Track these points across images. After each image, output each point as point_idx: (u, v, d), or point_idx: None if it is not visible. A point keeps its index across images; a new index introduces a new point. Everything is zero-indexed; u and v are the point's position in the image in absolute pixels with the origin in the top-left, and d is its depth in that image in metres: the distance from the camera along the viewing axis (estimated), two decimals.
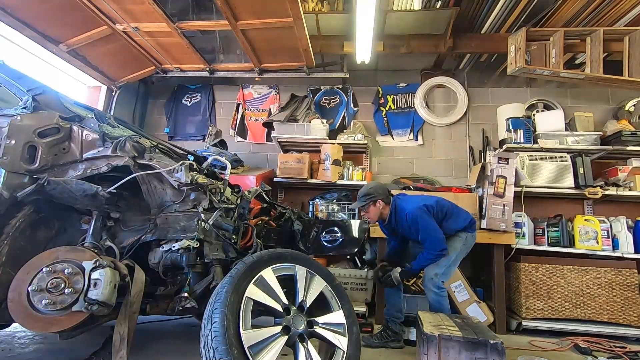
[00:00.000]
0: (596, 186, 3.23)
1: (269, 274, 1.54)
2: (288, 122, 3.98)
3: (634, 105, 3.58)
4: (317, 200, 3.73)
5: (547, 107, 3.88)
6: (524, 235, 3.29)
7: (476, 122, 4.06)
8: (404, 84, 4.28)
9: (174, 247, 1.75)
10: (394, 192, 2.73)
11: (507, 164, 3.19)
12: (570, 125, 3.55)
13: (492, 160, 3.26)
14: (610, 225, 3.18)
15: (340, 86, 4.37)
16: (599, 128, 3.54)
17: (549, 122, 3.48)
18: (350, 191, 3.81)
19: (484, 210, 3.20)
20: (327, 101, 4.40)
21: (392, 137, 4.20)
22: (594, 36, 3.12)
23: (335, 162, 3.68)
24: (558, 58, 3.13)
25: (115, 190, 1.67)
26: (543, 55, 3.22)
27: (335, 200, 3.70)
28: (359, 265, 3.45)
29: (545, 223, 3.37)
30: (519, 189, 3.28)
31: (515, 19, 3.25)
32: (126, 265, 1.60)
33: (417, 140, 4.14)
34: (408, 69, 4.28)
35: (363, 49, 3.48)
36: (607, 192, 3.21)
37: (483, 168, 3.32)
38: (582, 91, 3.89)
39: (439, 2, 3.24)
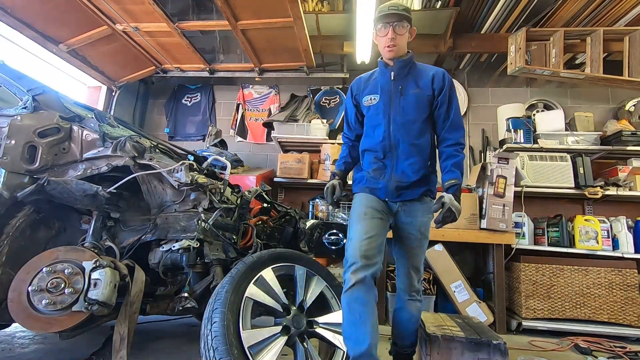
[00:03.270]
0: (596, 186, 3.23)
1: (269, 274, 1.55)
2: (288, 122, 3.98)
3: (634, 105, 3.58)
4: (317, 200, 3.72)
5: (547, 107, 3.88)
6: (524, 235, 3.29)
7: (476, 122, 4.05)
8: None
9: (174, 247, 1.75)
10: None
11: (507, 164, 3.19)
12: (570, 125, 3.55)
13: (492, 160, 3.26)
14: (611, 225, 3.18)
15: (341, 86, 4.36)
16: (599, 128, 3.54)
17: (549, 122, 3.48)
18: (350, 191, 3.80)
19: (484, 210, 3.20)
20: (327, 101, 4.40)
21: None
22: (594, 36, 3.12)
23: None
24: (558, 58, 3.13)
25: (115, 190, 1.67)
26: (543, 55, 3.22)
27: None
28: None
29: (545, 223, 3.37)
30: (519, 189, 3.28)
31: (515, 19, 3.25)
32: (126, 265, 1.60)
33: None
34: None
35: (363, 49, 3.48)
36: (607, 192, 3.21)
37: (483, 168, 3.31)
38: (582, 91, 3.89)
39: (439, 2, 3.24)
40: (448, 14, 3.30)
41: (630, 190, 3.24)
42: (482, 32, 3.51)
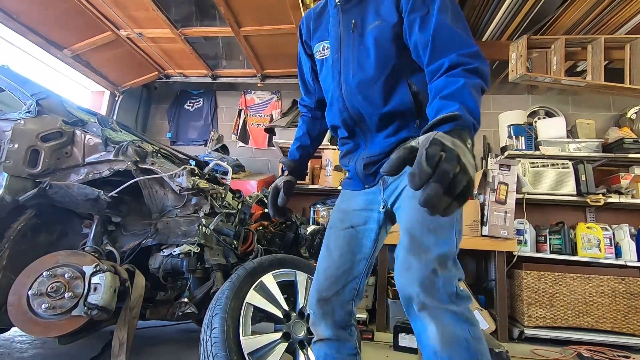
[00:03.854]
0: (598, 193, 3.22)
1: (269, 280, 1.54)
2: (290, 128, 3.99)
3: (635, 112, 3.58)
4: (318, 205, 3.72)
5: (549, 114, 3.89)
6: (526, 243, 3.27)
7: (481, 129, 4.05)
8: None
9: (174, 251, 1.75)
10: None
11: (509, 170, 3.19)
12: (571, 133, 3.56)
13: (494, 167, 3.26)
14: (613, 233, 3.16)
15: None
16: (600, 135, 3.54)
17: (550, 129, 3.48)
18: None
19: (485, 217, 3.19)
20: None
21: None
22: (595, 44, 3.13)
23: (337, 168, 3.68)
24: (559, 65, 3.14)
25: (116, 195, 1.68)
26: (544, 63, 3.23)
27: None
28: None
29: (547, 230, 3.35)
30: (520, 195, 3.27)
31: (517, 26, 3.26)
32: (126, 270, 1.60)
33: None
34: None
35: None
36: (609, 200, 3.20)
37: (485, 175, 3.31)
38: (584, 99, 3.90)
39: None
40: None
41: (632, 197, 3.22)
42: (484, 39, 3.53)
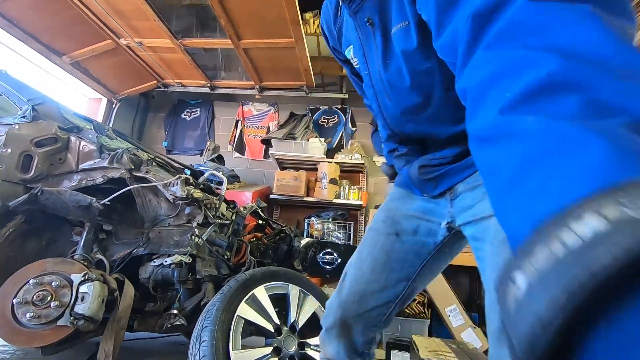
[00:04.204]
0: None
1: (261, 293, 1.52)
2: (286, 140, 4.01)
3: None
4: (312, 218, 3.71)
5: None
6: None
7: None
8: None
9: (165, 262, 1.73)
10: None
11: None
12: None
13: None
14: None
15: (339, 106, 4.43)
16: None
17: None
18: (347, 210, 3.80)
19: None
20: (326, 120, 4.45)
21: None
22: None
23: (332, 181, 3.68)
24: None
25: (109, 202, 1.66)
26: None
27: (330, 219, 3.68)
28: None
29: None
30: None
31: None
32: (116, 280, 1.57)
33: None
34: None
35: None
36: None
37: None
38: None
39: None
40: None
41: None
42: None
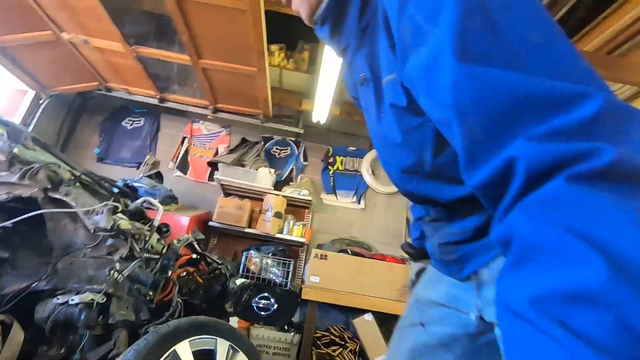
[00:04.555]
0: None
1: (184, 349, 1.34)
2: (234, 166, 3.85)
3: None
4: (251, 251, 3.53)
5: None
6: None
7: None
8: (354, 148, 4.45)
9: (72, 300, 1.47)
10: None
11: None
12: None
13: None
14: None
15: (293, 139, 4.41)
16: None
17: None
18: (288, 246, 3.69)
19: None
20: (278, 151, 4.39)
21: (336, 197, 4.25)
22: None
23: (277, 215, 3.57)
24: None
25: (10, 225, 1.39)
26: None
27: (270, 254, 3.53)
28: (285, 327, 3.24)
29: None
30: None
31: None
32: (0, 323, 1.28)
33: (359, 203, 4.24)
34: (359, 135, 4.50)
35: (320, 111, 3.60)
36: None
37: None
38: None
39: None
40: None
41: None
42: None
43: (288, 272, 3.44)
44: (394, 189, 4.26)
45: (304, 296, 3.06)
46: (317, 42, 3.21)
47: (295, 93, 3.88)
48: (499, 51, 0.39)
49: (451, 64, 0.40)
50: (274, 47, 3.37)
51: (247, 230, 3.56)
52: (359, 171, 4.35)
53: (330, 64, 2.86)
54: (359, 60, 0.70)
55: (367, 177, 4.29)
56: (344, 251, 3.51)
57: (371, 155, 4.37)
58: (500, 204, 0.38)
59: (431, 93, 0.45)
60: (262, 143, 4.33)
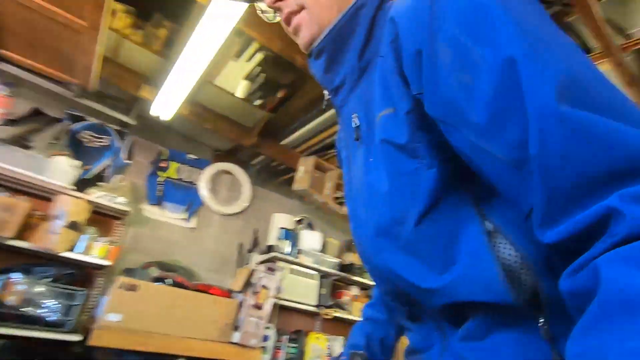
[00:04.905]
0: (330, 307, 3.70)
1: None
2: (12, 145, 2.64)
3: None
4: (14, 275, 2.40)
5: (310, 226, 4.41)
6: (267, 351, 3.21)
7: (253, 220, 4.06)
8: (195, 157, 3.88)
9: None
10: None
11: (274, 274, 3.20)
12: (324, 248, 4.11)
13: (261, 267, 3.21)
14: (331, 345, 3.62)
15: (118, 128, 3.45)
16: (340, 255, 4.27)
17: (311, 240, 3.89)
18: (80, 269, 2.72)
19: (240, 321, 2.96)
20: (90, 138, 3.32)
21: (163, 210, 3.53)
22: None
23: (72, 225, 2.60)
24: (331, 191, 3.68)
25: None
26: (322, 185, 3.71)
27: (49, 280, 2.51)
28: None
29: (287, 337, 3.46)
30: (274, 300, 3.30)
31: (311, 146, 3.70)
32: None
33: (189, 221, 3.65)
34: (204, 143, 3.97)
35: (165, 104, 2.95)
36: (336, 314, 3.73)
37: (252, 274, 3.19)
38: (338, 221, 4.70)
39: (259, 102, 3.28)
40: (261, 115, 3.36)
41: (349, 313, 3.90)
42: (283, 143, 3.78)
43: (72, 306, 2.50)
44: (231, 210, 3.90)
45: (94, 341, 2.27)
46: (183, 24, 2.63)
47: (135, 74, 3.06)
48: (600, 96, 0.35)
49: (543, 103, 0.34)
50: (119, 7, 2.57)
51: (15, 242, 2.43)
52: (195, 184, 3.79)
53: (198, 55, 2.36)
54: (353, 102, 0.63)
55: (205, 193, 3.78)
56: (161, 280, 2.88)
57: (214, 169, 3.91)
58: (578, 257, 0.33)
59: (491, 130, 0.38)
60: (69, 122, 3.19)
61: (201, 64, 2.48)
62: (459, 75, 0.41)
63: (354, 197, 0.63)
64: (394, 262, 0.53)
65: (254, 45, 2.65)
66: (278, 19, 0.73)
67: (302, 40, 0.66)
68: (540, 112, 0.34)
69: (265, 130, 3.53)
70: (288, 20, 0.66)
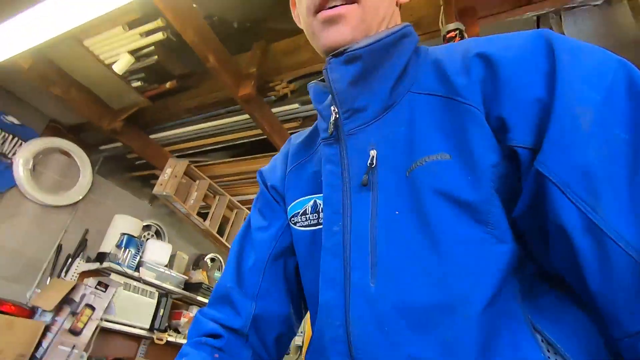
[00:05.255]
0: (165, 331, 3.27)
1: None
2: None
3: (210, 259, 4.32)
4: None
5: (158, 234, 3.87)
6: None
7: (85, 218, 3.26)
8: (17, 122, 2.90)
9: None
10: None
11: (105, 291, 2.63)
12: (170, 262, 3.65)
13: (89, 281, 2.58)
14: None
15: None
16: (186, 272, 3.87)
17: (157, 252, 3.40)
18: None
19: (42, 349, 2.28)
20: None
21: None
22: (222, 199, 3.70)
23: None
24: (195, 202, 3.36)
25: None
26: (187, 193, 3.35)
27: None
28: None
29: None
30: (97, 321, 2.69)
31: (185, 149, 3.33)
32: None
33: None
34: (37, 107, 3.03)
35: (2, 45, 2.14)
36: (169, 338, 3.31)
37: (73, 288, 2.52)
38: (194, 234, 4.25)
39: (137, 84, 2.76)
40: (135, 99, 2.83)
41: (184, 337, 3.53)
42: (152, 137, 3.26)
43: None
44: (57, 201, 3.05)
45: None
46: None
47: None
48: None
49: None
50: None
51: None
52: (10, 158, 2.81)
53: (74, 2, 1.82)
54: (372, 135, 0.53)
55: (21, 171, 2.83)
56: None
57: (43, 143, 3.00)
58: None
59: (614, 218, 0.36)
60: None
61: (75, 16, 1.93)
62: (600, 144, 0.37)
63: (352, 257, 0.48)
64: (422, 356, 0.40)
65: (158, 22, 2.25)
66: None
67: (338, 34, 0.53)
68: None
69: (133, 116, 2.97)
70: (325, 3, 0.52)
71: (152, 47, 2.45)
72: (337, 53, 0.52)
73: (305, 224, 0.60)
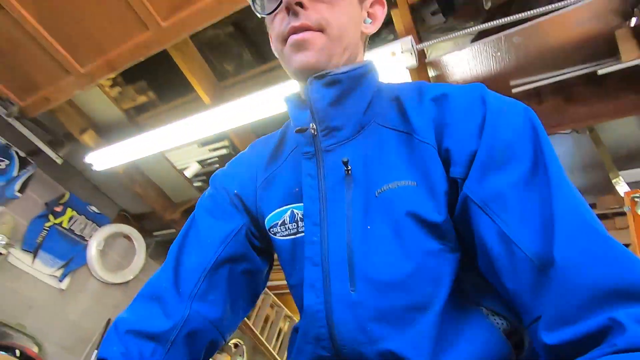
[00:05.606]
0: None
1: None
2: None
3: (234, 344, 4.46)
4: None
5: None
6: None
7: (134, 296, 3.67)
8: (96, 210, 3.56)
9: None
10: None
11: None
12: None
13: None
14: None
15: (23, 155, 3.08)
16: None
17: None
18: None
19: None
20: None
21: (34, 260, 3.00)
22: None
23: None
24: None
25: None
26: None
27: None
28: None
29: None
30: None
31: None
32: None
33: (62, 281, 3.15)
34: (112, 198, 3.72)
35: (105, 159, 2.87)
36: None
37: None
38: None
39: (198, 184, 3.43)
40: (195, 196, 3.48)
41: None
42: None
43: None
44: (116, 277, 3.53)
45: None
46: (169, 104, 2.84)
47: (84, 116, 2.97)
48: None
49: (584, 220, 0.42)
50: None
51: None
52: (87, 240, 3.40)
53: (170, 138, 2.52)
54: (347, 151, 0.61)
55: (93, 252, 3.38)
56: (8, 348, 2.37)
57: (113, 228, 3.61)
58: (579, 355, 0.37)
59: (519, 229, 0.45)
60: None
61: (168, 145, 2.63)
62: (510, 172, 0.48)
63: (330, 266, 0.55)
64: (398, 349, 0.49)
65: (224, 142, 2.99)
66: (264, 16, 0.64)
67: (305, 57, 0.59)
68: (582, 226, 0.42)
69: (191, 209, 3.58)
70: (295, 31, 0.58)
71: (217, 158, 3.17)
72: (319, 75, 0.59)
73: (285, 233, 0.64)
